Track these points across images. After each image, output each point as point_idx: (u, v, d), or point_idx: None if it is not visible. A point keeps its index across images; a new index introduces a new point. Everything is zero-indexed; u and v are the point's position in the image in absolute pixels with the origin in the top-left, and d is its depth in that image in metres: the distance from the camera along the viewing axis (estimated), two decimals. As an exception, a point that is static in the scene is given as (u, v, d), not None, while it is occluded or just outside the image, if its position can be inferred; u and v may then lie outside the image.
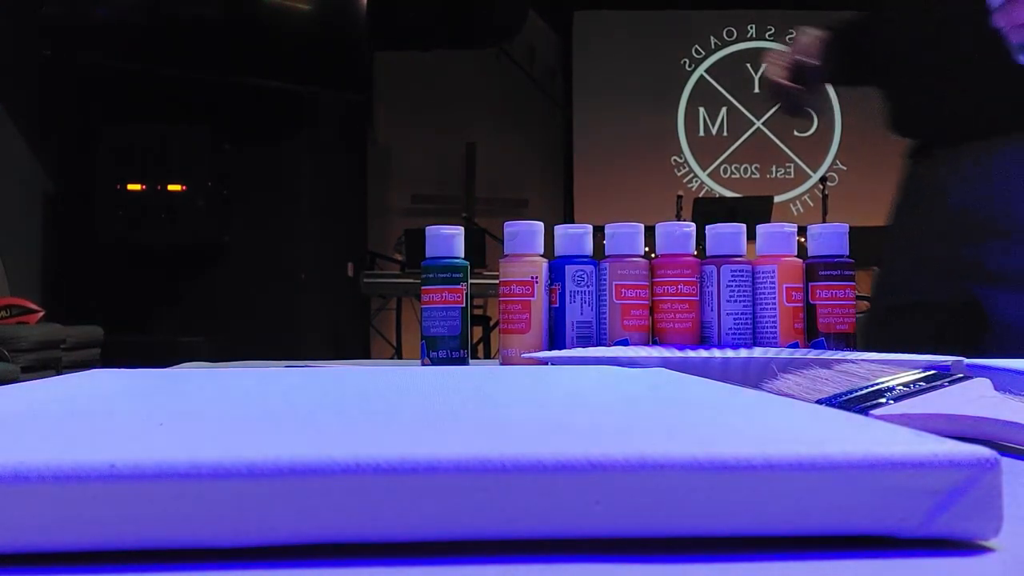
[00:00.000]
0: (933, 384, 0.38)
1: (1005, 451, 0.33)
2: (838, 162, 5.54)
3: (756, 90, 5.53)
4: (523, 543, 0.20)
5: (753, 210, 4.04)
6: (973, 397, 0.36)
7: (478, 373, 0.41)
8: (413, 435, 0.24)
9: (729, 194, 5.48)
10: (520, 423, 0.26)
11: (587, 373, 0.41)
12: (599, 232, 0.83)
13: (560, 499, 0.19)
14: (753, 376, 0.53)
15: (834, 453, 0.21)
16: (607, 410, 0.29)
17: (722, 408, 0.29)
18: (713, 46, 5.65)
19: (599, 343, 0.78)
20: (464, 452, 0.20)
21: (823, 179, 4.91)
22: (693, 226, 0.80)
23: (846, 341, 0.78)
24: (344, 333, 4.81)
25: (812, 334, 0.78)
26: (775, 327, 0.77)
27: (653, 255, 0.80)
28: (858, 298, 0.82)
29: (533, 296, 0.79)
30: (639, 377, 0.38)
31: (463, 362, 0.79)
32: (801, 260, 0.79)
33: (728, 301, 0.78)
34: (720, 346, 0.76)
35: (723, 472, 0.20)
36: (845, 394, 0.37)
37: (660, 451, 0.20)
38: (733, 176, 5.63)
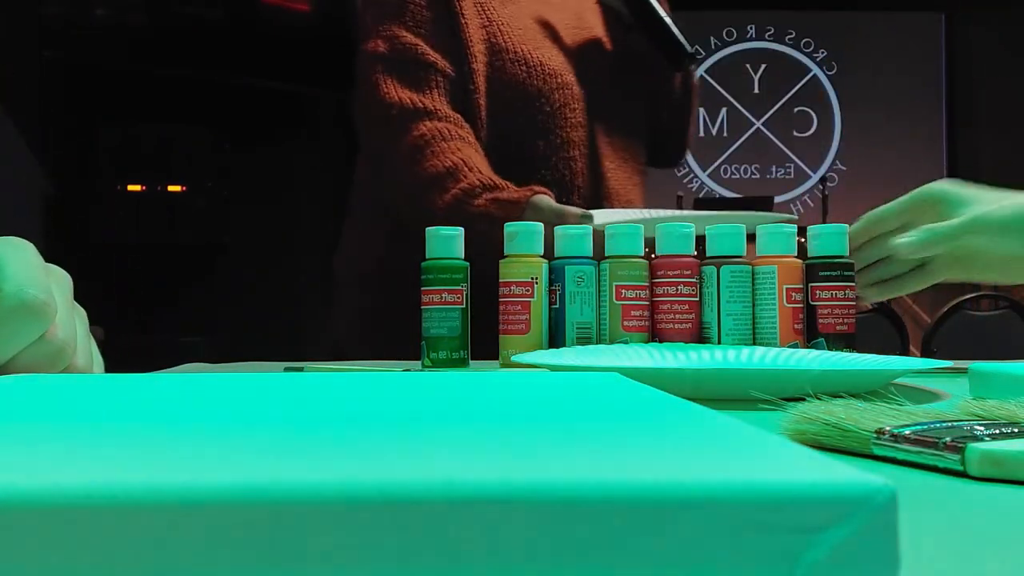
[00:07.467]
0: None
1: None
2: (838, 162, 5.53)
3: (756, 90, 5.53)
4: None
5: (753, 210, 4.03)
6: None
7: (393, 380, 0.35)
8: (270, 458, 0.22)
9: (729, 194, 5.48)
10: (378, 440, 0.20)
11: (524, 379, 0.35)
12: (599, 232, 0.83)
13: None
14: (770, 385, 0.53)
15: (685, 479, 0.15)
16: (491, 423, 0.24)
17: (636, 424, 0.23)
18: (713, 46, 5.65)
19: (599, 344, 0.78)
20: (308, 477, 0.15)
21: (823, 179, 4.92)
22: (693, 226, 0.80)
23: (846, 342, 0.78)
24: (344, 333, 4.80)
25: (812, 335, 0.78)
26: (775, 328, 0.77)
27: (653, 255, 0.80)
28: (858, 299, 0.82)
29: (533, 297, 0.78)
30: (582, 385, 0.33)
31: (463, 363, 0.79)
32: (801, 260, 0.79)
33: (728, 302, 0.78)
34: (720, 346, 0.76)
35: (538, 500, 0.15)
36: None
37: (464, 475, 0.15)
38: (733, 176, 5.63)
